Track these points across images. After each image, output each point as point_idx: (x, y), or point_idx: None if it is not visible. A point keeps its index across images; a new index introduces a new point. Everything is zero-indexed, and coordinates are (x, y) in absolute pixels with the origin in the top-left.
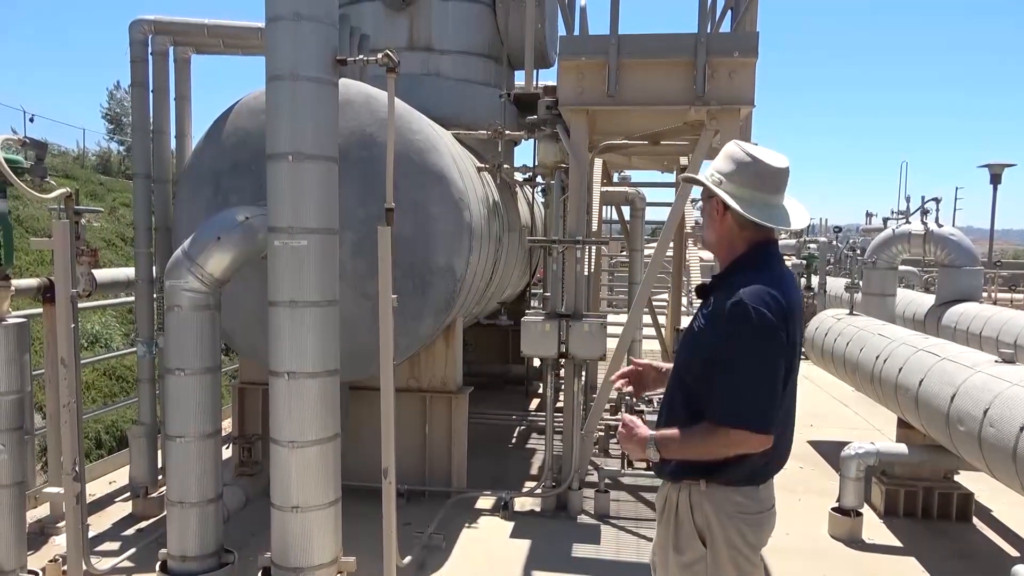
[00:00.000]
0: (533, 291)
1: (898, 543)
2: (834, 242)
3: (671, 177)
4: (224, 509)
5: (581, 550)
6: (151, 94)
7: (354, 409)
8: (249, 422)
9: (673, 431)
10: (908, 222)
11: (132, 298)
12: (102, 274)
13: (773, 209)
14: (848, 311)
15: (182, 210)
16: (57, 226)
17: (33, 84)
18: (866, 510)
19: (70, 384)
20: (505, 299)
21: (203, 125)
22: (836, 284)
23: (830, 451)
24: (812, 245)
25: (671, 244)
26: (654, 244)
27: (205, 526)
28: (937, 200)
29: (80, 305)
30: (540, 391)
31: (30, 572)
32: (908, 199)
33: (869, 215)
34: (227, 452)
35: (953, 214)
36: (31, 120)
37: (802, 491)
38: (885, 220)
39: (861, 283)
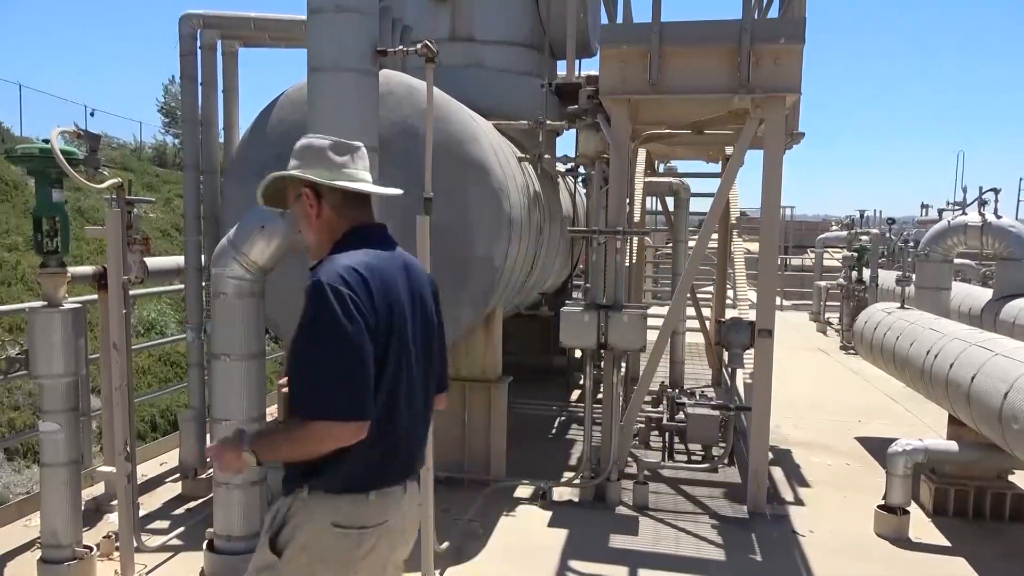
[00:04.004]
0: (575, 282)
1: (947, 543)
2: (888, 234)
3: (717, 167)
4: (268, 491)
5: (618, 541)
6: (200, 87)
7: None
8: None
9: (272, 431)
10: (964, 213)
11: (182, 286)
12: (154, 262)
13: (359, 182)
14: (899, 305)
15: (229, 200)
16: (109, 215)
17: (94, 79)
18: (914, 508)
19: (121, 368)
20: (547, 290)
21: (250, 117)
22: (889, 277)
23: (878, 448)
24: (864, 237)
25: (715, 235)
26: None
27: (249, 507)
28: (996, 191)
29: (132, 292)
30: (581, 382)
31: (85, 547)
32: (965, 190)
33: (924, 207)
34: None
35: (1016, 206)
36: (91, 114)
37: (848, 488)
38: (940, 212)
39: (914, 276)
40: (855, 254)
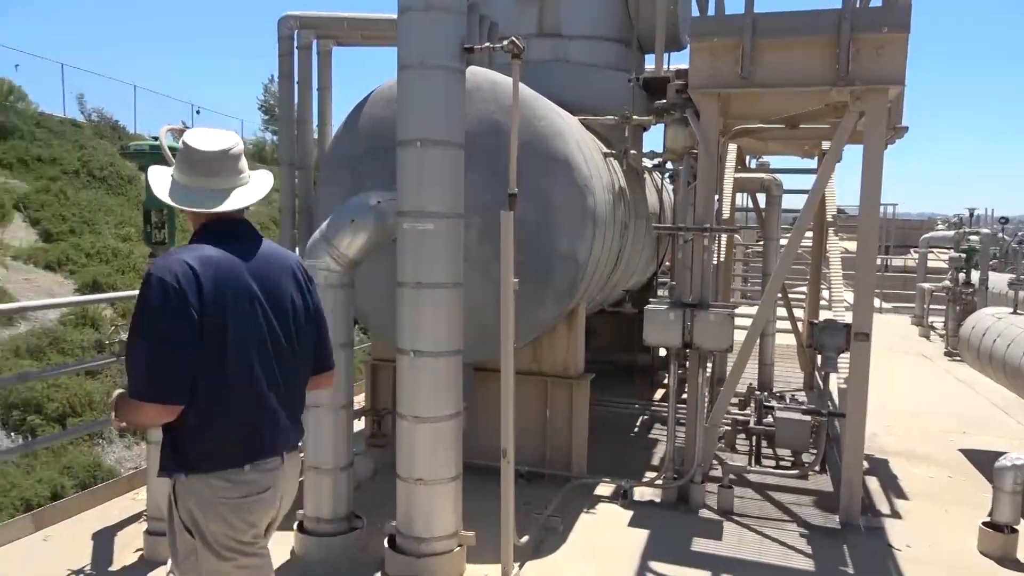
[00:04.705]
0: (660, 279)
1: None
2: (1000, 234)
3: (812, 163)
4: (355, 477)
5: (701, 544)
6: (296, 85)
7: (478, 390)
8: (381, 397)
9: (126, 398)
10: None
11: None
12: None
13: (211, 192)
14: (1012, 310)
15: (322, 195)
16: None
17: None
18: (1023, 527)
19: None
20: (631, 287)
21: (341, 114)
22: (1000, 280)
23: (984, 461)
24: (973, 237)
25: (809, 234)
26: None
27: (338, 491)
28: None
29: None
30: (665, 381)
31: None
32: None
33: None
34: (360, 424)
35: None
36: (198, 112)
37: (950, 501)
38: None
39: None
40: (963, 255)
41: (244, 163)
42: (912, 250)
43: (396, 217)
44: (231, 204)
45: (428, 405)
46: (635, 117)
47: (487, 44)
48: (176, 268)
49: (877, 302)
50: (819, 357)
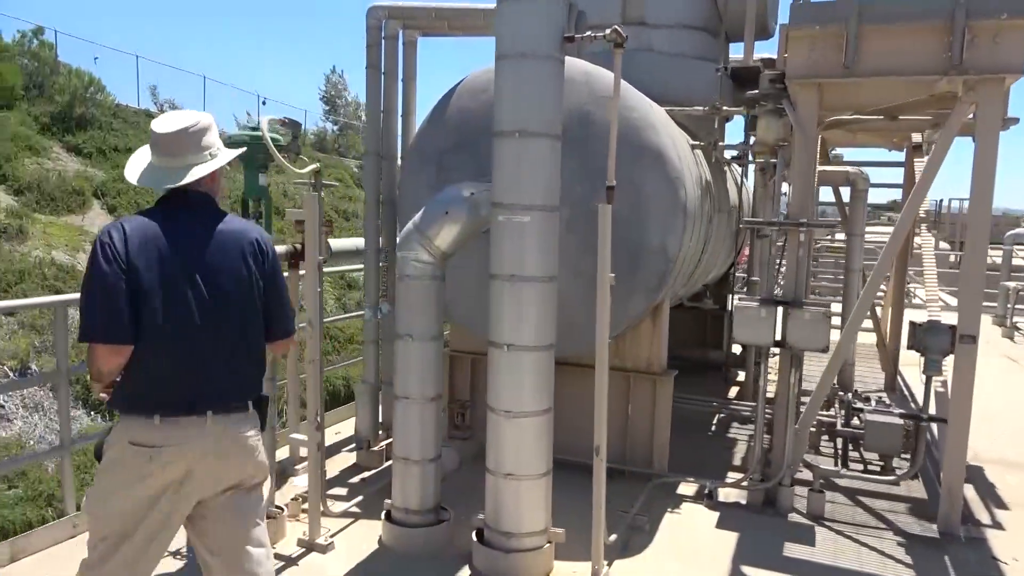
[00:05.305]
0: (737, 274)
1: None
2: None
3: (899, 156)
4: (442, 467)
5: (794, 550)
6: (382, 76)
7: (557, 384)
8: (458, 388)
9: None
10: None
11: (355, 266)
12: (334, 244)
13: (170, 171)
14: None
15: (407, 185)
16: (307, 199)
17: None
18: None
19: (315, 343)
20: (710, 281)
21: (422, 104)
22: None
23: None
24: None
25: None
26: (872, 227)
27: (425, 483)
28: None
29: (328, 269)
30: (739, 378)
31: (276, 507)
32: None
33: None
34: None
35: None
36: (264, 103)
37: None
38: None
39: None
40: None
41: (209, 140)
42: (996, 246)
43: (489, 209)
44: (175, 181)
45: (521, 400)
46: (725, 108)
47: (589, 33)
48: (112, 230)
49: (951, 300)
50: (921, 359)
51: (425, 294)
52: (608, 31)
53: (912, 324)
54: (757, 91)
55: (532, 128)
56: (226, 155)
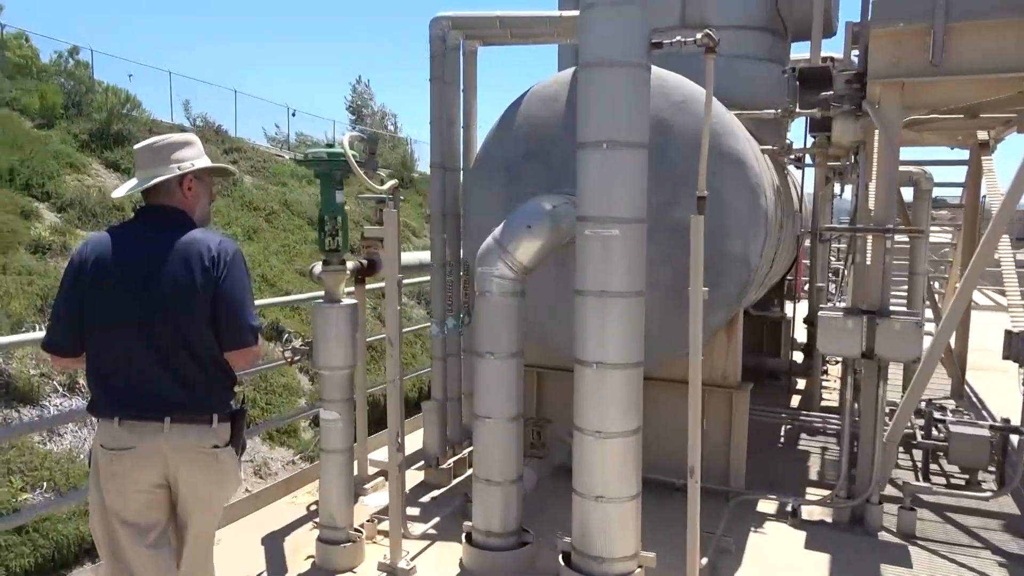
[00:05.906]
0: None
1: None
2: None
3: (962, 154)
4: (523, 489)
5: (891, 572)
6: (444, 86)
7: None
8: (527, 404)
9: None
10: None
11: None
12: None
13: (135, 182)
14: None
15: (472, 197)
16: (388, 214)
17: (290, 81)
18: None
19: (395, 362)
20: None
21: (483, 114)
22: None
23: None
24: None
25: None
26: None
27: (508, 505)
28: None
29: (369, 286)
30: (799, 387)
31: (356, 530)
32: None
33: None
34: None
35: None
36: (293, 115)
37: None
38: None
39: None
40: None
41: (182, 155)
42: None
43: (571, 222)
44: (121, 191)
45: (609, 420)
46: (799, 110)
47: (678, 38)
48: (83, 245)
49: (1002, 299)
50: (1020, 371)
51: (507, 310)
52: (700, 35)
53: (1008, 333)
54: (832, 92)
55: (619, 138)
56: (191, 168)
